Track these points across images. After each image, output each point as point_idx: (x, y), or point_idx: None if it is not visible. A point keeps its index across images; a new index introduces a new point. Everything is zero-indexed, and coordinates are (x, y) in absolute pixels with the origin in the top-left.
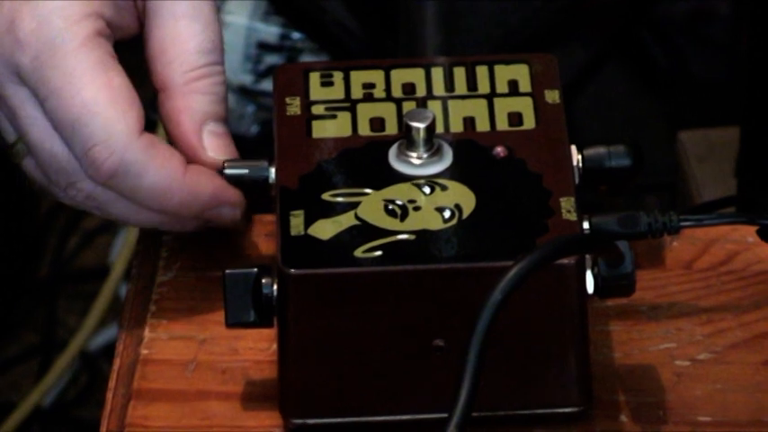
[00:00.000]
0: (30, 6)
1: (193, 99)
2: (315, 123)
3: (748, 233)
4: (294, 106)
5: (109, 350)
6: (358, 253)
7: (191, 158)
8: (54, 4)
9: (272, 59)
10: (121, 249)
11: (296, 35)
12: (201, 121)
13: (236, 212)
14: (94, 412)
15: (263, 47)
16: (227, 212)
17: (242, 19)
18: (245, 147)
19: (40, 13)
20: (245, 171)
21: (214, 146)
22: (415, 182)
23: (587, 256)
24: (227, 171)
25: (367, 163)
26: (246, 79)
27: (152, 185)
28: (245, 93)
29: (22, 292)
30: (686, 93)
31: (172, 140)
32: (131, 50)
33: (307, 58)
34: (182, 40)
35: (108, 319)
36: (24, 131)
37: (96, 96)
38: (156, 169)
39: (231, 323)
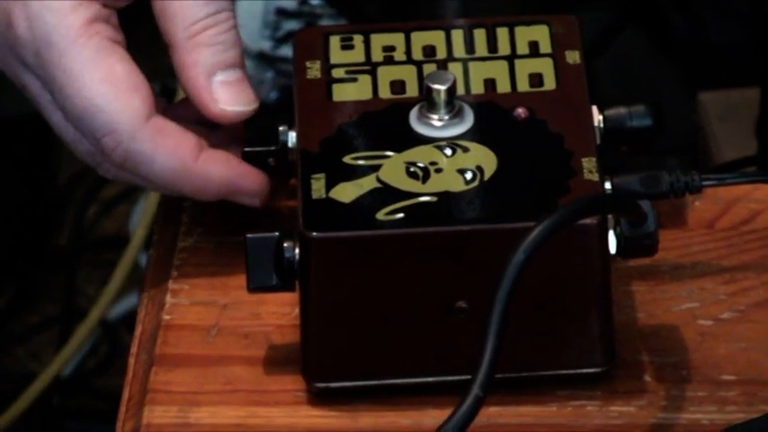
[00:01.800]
0: (21, 4)
1: (199, 53)
2: (335, 87)
3: None
4: (314, 70)
5: (129, 319)
6: (380, 216)
7: (204, 113)
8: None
9: (290, 25)
10: (141, 218)
11: (315, 1)
12: (210, 74)
13: (255, 200)
14: (115, 381)
15: (282, 13)
16: (245, 200)
17: None
18: (265, 113)
19: (32, 11)
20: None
21: (225, 97)
22: (436, 144)
23: (609, 216)
24: (248, 149)
25: (388, 126)
26: (265, 45)
27: (161, 172)
28: (263, 59)
29: (41, 261)
30: (705, 56)
31: (186, 92)
32: (142, 19)
33: (325, 24)
34: None
35: (128, 287)
36: (48, 117)
37: (98, 90)
38: (165, 156)
39: (253, 287)
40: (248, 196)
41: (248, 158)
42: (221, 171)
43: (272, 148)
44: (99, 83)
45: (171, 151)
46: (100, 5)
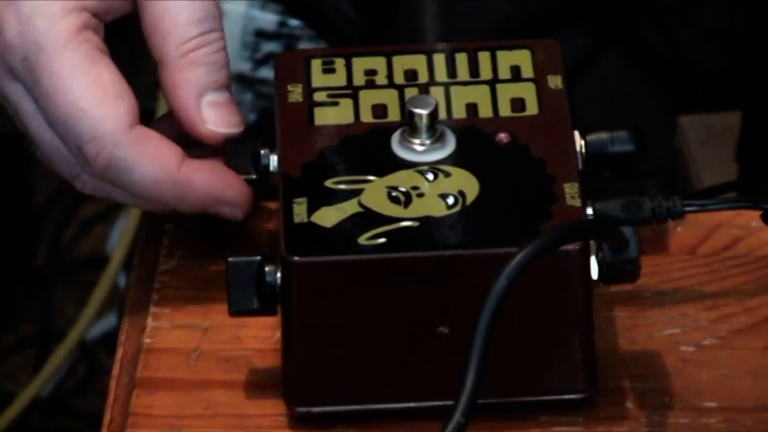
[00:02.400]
0: (13, 8)
1: (190, 71)
2: (317, 110)
3: (752, 218)
4: (296, 93)
5: (107, 339)
6: (362, 240)
7: (191, 132)
8: (36, 4)
9: (269, 47)
10: (119, 238)
11: (294, 22)
12: (199, 94)
13: (237, 212)
14: (94, 402)
15: (261, 34)
16: (227, 211)
17: (239, 6)
18: (244, 135)
19: (23, 15)
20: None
21: (213, 117)
22: (418, 168)
23: (591, 242)
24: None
25: (370, 150)
26: (244, 67)
27: (143, 180)
28: (242, 80)
29: (19, 281)
30: (684, 78)
31: (174, 113)
32: (127, 36)
33: (305, 46)
34: (174, 12)
35: (106, 308)
36: (26, 126)
37: (84, 95)
38: (147, 164)
39: (234, 311)
40: (231, 207)
41: None
42: (204, 179)
43: (253, 176)
44: (86, 88)
45: (154, 159)
46: (90, 15)
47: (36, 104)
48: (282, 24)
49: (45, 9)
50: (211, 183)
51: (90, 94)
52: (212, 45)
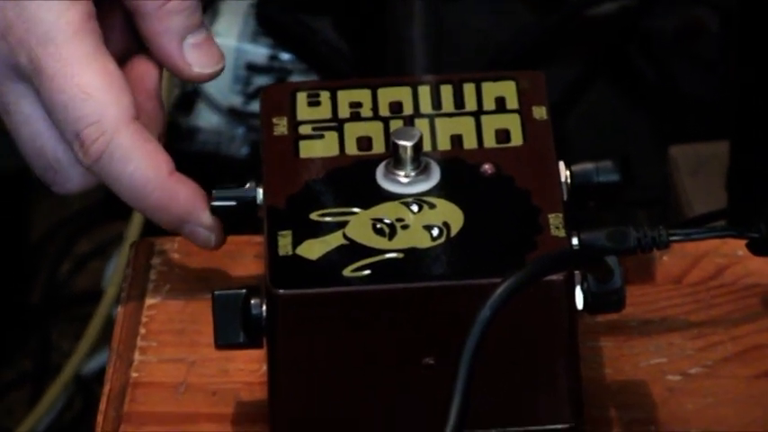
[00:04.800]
0: (18, 8)
1: (170, 20)
2: (302, 143)
3: (738, 247)
4: (281, 126)
5: (102, 374)
6: (347, 272)
7: (180, 77)
8: (39, 2)
9: (261, 81)
10: (114, 274)
11: (285, 56)
12: (182, 38)
13: (210, 238)
14: None
15: (253, 68)
16: (201, 234)
17: (231, 40)
18: (236, 168)
19: (29, 13)
20: (233, 203)
21: (197, 60)
22: (402, 200)
23: (576, 272)
24: (215, 204)
25: (354, 182)
26: (236, 101)
27: (134, 175)
28: (234, 114)
29: (15, 317)
30: (675, 108)
31: (158, 60)
32: None
33: (296, 79)
34: None
35: (101, 343)
36: (15, 128)
37: (92, 81)
38: (141, 159)
39: (221, 344)
40: (207, 231)
41: (216, 213)
42: (189, 193)
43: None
44: (93, 74)
45: (149, 156)
46: (92, 5)
47: (35, 103)
48: (274, 58)
49: (49, 3)
50: (195, 199)
51: (97, 80)
52: None
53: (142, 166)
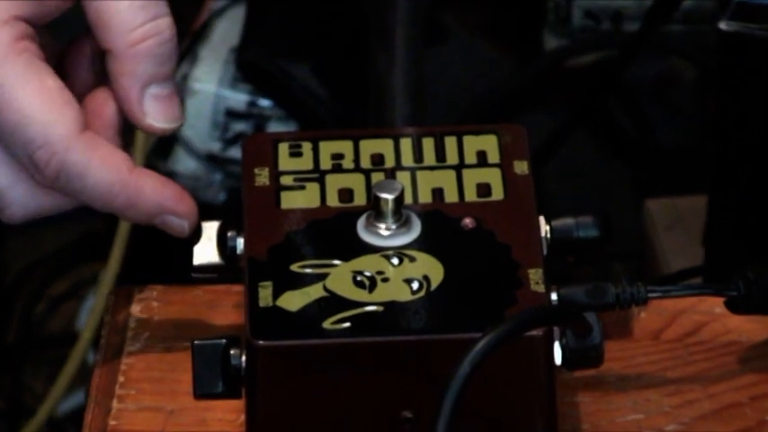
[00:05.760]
0: None
1: (137, 64)
2: (283, 194)
3: (716, 304)
4: (263, 177)
5: (76, 416)
6: (326, 324)
7: (132, 122)
8: None
9: (239, 127)
10: (89, 315)
11: (264, 102)
12: (144, 86)
13: (184, 225)
14: None
15: (231, 114)
16: (174, 223)
17: (210, 86)
18: (213, 215)
19: None
20: (217, 260)
21: (154, 111)
22: (383, 253)
23: (555, 328)
24: (197, 263)
25: (335, 234)
26: (214, 147)
27: (96, 184)
28: (212, 160)
29: None
30: (653, 160)
31: (117, 102)
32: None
33: (275, 126)
34: (114, 1)
35: (75, 384)
36: None
37: (30, 103)
38: (99, 167)
39: (199, 394)
40: (179, 219)
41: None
42: (156, 186)
43: (221, 262)
44: (31, 96)
45: (106, 162)
46: (25, 24)
47: None
48: (252, 104)
49: None
50: (162, 190)
51: (36, 101)
52: (160, 35)
53: (100, 174)
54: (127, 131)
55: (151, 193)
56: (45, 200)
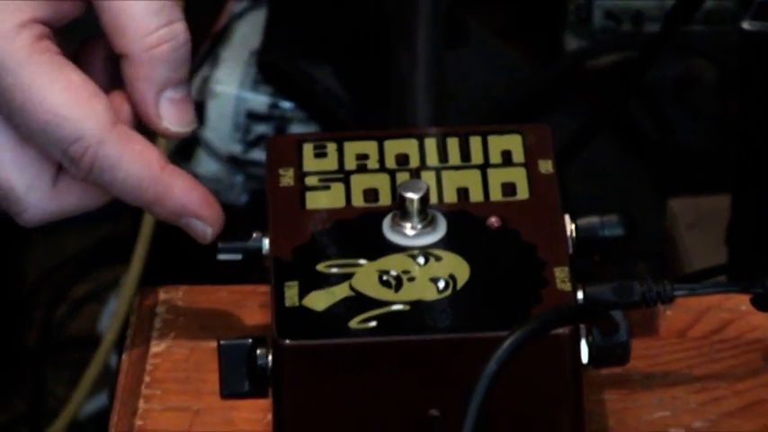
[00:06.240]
0: None
1: (152, 68)
2: (308, 194)
3: (741, 302)
4: (288, 177)
5: (98, 419)
6: (352, 324)
7: (149, 127)
8: None
9: (261, 129)
10: (110, 318)
11: (285, 104)
12: (159, 90)
13: (207, 232)
14: None
15: (253, 116)
16: (199, 228)
17: (231, 88)
18: (235, 216)
19: None
20: (239, 256)
21: (170, 115)
22: (409, 252)
23: (582, 326)
24: (221, 257)
25: (361, 234)
26: (236, 149)
27: (126, 177)
28: (234, 162)
29: (10, 362)
30: (674, 161)
31: (133, 106)
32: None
33: (296, 128)
34: (129, 6)
35: (97, 387)
36: None
37: (59, 100)
38: (131, 160)
39: (226, 394)
40: (203, 223)
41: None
42: (185, 186)
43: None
44: (60, 93)
45: (139, 156)
46: (42, 26)
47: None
48: (274, 106)
49: None
50: (191, 191)
51: (65, 98)
52: (175, 40)
53: (133, 167)
54: (149, 133)
55: (180, 192)
56: (61, 202)
